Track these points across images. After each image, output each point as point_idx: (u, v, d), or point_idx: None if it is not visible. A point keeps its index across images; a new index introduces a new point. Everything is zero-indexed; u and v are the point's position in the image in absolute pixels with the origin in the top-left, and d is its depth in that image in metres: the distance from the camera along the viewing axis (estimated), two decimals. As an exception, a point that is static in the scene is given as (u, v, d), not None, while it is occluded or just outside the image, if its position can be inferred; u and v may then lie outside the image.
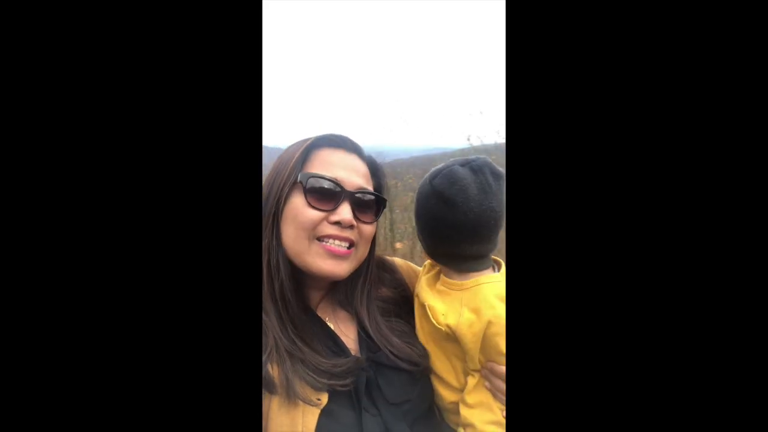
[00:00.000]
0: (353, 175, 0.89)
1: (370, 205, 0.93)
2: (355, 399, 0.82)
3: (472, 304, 0.88)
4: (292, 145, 0.93)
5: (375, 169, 0.98)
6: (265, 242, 0.86)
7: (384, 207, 0.96)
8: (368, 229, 0.91)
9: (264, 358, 0.78)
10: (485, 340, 0.85)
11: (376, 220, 0.94)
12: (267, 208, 0.88)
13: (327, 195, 0.86)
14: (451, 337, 0.89)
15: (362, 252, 0.93)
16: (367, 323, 0.93)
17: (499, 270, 0.95)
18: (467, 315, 0.87)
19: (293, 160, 0.88)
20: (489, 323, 0.84)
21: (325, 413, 0.77)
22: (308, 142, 0.91)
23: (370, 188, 0.94)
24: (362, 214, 0.90)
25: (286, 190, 0.86)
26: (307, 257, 0.85)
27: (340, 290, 0.98)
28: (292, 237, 0.85)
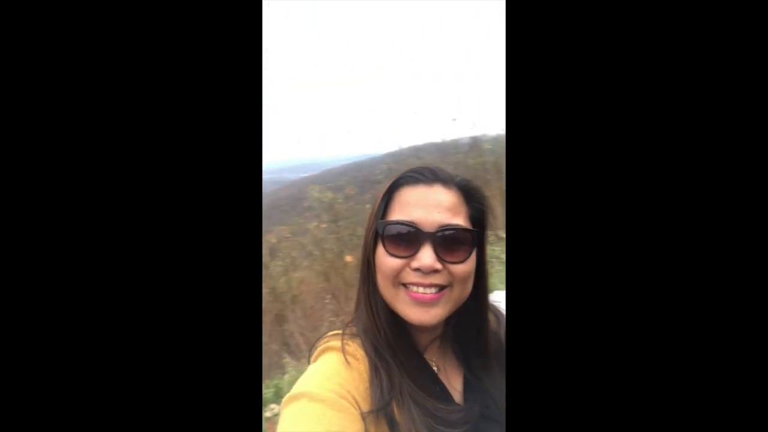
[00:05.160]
0: (434, 212, 0.82)
1: (459, 240, 0.83)
2: None
3: None
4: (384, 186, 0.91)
5: (469, 195, 0.90)
6: (365, 289, 0.87)
7: (480, 237, 0.88)
8: (461, 268, 0.83)
9: (388, 396, 0.78)
10: None
11: (469, 257, 0.86)
12: (362, 255, 0.88)
13: (405, 240, 0.82)
14: None
15: (459, 293, 0.86)
16: (473, 373, 0.90)
17: None
18: None
19: (376, 207, 0.88)
20: None
21: None
22: (389, 184, 0.89)
23: (459, 221, 0.84)
24: (449, 253, 0.82)
25: (371, 238, 0.87)
26: (397, 304, 0.84)
27: (449, 334, 0.93)
28: (382, 285, 0.85)
